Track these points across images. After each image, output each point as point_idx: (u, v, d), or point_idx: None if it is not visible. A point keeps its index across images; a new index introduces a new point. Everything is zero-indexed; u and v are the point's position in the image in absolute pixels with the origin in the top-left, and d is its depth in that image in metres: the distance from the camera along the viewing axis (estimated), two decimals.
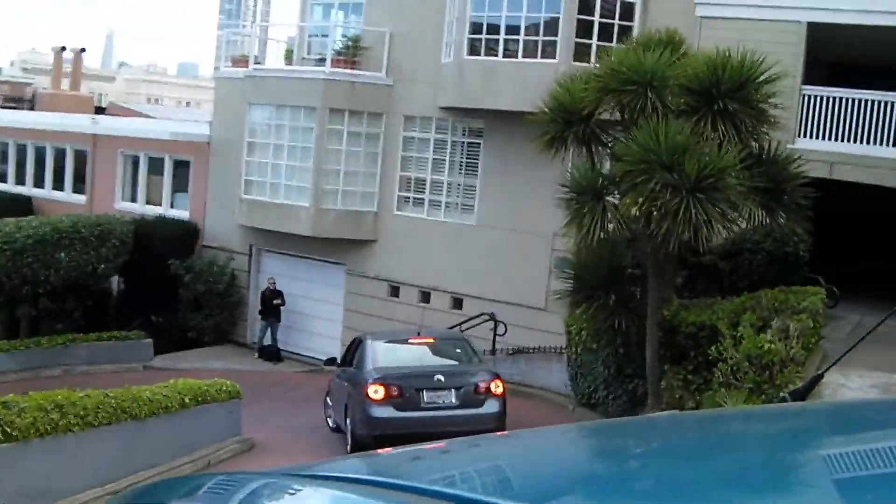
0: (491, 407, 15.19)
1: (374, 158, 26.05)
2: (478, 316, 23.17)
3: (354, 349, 17.03)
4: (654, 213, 14.09)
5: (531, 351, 22.01)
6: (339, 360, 18.65)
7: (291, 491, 1.84)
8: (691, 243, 15.21)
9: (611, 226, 15.08)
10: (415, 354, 16.33)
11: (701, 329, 15.90)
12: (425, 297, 25.50)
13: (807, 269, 18.56)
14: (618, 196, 15.14)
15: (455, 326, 22.90)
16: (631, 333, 16.19)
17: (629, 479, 1.86)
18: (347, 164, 25.94)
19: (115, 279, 28.67)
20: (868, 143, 19.21)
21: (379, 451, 2.42)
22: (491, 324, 23.00)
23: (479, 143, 24.51)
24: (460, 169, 24.93)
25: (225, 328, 28.33)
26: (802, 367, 14.21)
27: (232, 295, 28.27)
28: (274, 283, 27.09)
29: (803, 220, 15.97)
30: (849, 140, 19.36)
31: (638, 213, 14.08)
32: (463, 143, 24.85)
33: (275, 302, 26.95)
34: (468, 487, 1.76)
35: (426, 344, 16.75)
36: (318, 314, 27.39)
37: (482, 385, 15.31)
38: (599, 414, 17.88)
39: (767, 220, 15.61)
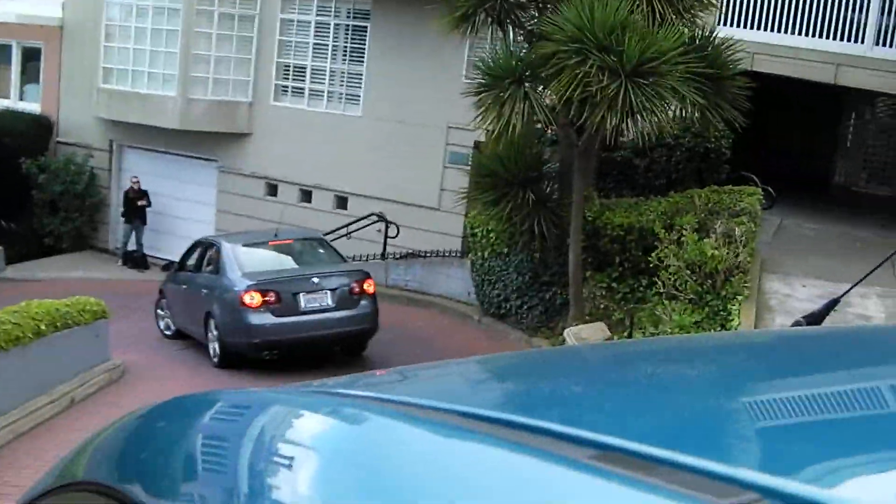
0: (365, 307, 15.14)
1: (248, 43, 23.71)
2: (366, 217, 21.32)
3: (202, 253, 16.55)
4: (588, 99, 12.41)
5: (427, 255, 20.23)
6: (177, 265, 17.82)
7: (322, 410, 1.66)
8: (629, 136, 13.73)
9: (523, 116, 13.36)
10: (279, 257, 15.92)
11: (628, 232, 14.39)
12: (306, 195, 23.53)
13: (727, 167, 17.25)
14: (538, 82, 13.45)
15: (341, 227, 21.21)
16: (552, 236, 14.58)
17: (639, 404, 1.67)
18: (219, 50, 23.58)
19: None
20: (790, 32, 17.77)
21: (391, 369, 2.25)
22: (379, 226, 21.22)
23: (366, 27, 22.39)
24: (345, 55, 22.80)
25: (85, 233, 26.03)
26: (747, 275, 12.87)
27: (92, 196, 25.84)
28: (138, 183, 24.71)
29: (740, 111, 14.43)
30: (770, 29, 17.87)
31: (571, 98, 12.36)
32: (348, 26, 22.70)
33: (139, 203, 24.67)
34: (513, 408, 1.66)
35: (287, 245, 16.32)
36: (188, 216, 25.13)
37: (356, 285, 15.13)
38: (510, 325, 16.31)
39: (703, 113, 14.01)
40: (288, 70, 23.54)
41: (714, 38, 14.40)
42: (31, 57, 27.49)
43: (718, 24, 17.78)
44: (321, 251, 16.33)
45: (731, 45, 14.44)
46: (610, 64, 12.05)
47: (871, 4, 17.33)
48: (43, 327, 11.41)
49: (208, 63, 23.66)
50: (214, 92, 23.78)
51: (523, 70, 13.35)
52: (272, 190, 23.92)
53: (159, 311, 17.69)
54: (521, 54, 13.88)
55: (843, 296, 3.52)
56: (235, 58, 23.75)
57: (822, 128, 24.10)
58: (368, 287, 15.23)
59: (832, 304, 3.30)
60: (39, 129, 26.19)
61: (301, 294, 14.69)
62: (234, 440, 1.65)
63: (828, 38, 17.65)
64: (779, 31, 17.80)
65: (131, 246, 24.95)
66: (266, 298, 14.52)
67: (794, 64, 17.63)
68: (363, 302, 15.10)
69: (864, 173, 25.78)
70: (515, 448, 1.31)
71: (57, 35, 26.44)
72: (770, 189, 16.01)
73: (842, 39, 17.60)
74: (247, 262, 15.24)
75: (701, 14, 14.35)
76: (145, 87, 24.12)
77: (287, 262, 15.80)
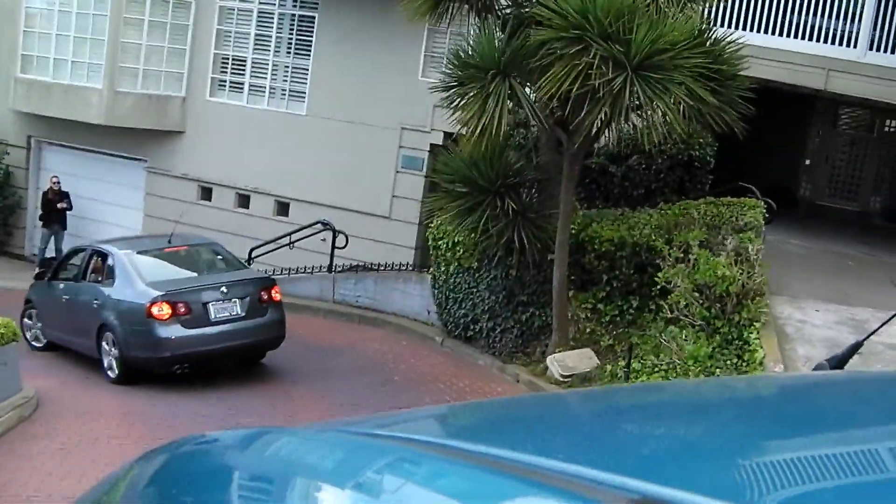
0: (273, 315, 14.73)
1: (182, 32, 22.08)
2: (311, 225, 19.60)
3: (86, 261, 15.58)
4: (586, 95, 10.85)
5: (381, 268, 18.49)
6: (50, 273, 16.60)
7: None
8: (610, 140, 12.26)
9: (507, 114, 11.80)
10: (179, 265, 15.31)
11: (619, 248, 12.82)
12: (244, 200, 21.93)
13: (710, 176, 15.91)
14: (523, 76, 11.90)
15: (283, 236, 19.67)
16: (534, 251, 12.97)
17: (672, 450, 1.68)
18: (150, 38, 21.94)
19: None
20: (780, 34, 16.48)
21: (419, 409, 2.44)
22: (325, 235, 19.50)
23: (314, 18, 20.80)
24: (289, 48, 21.21)
25: None
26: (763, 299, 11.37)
27: (7, 197, 24.22)
28: (58, 183, 23.01)
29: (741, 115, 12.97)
30: (759, 30, 16.54)
31: (567, 94, 10.78)
32: (293, 16, 21.10)
33: (59, 206, 22.98)
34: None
35: (183, 252, 15.73)
36: (112, 220, 23.47)
37: (263, 293, 14.72)
38: (478, 349, 14.62)
39: (705, 115, 12.51)
40: (226, 63, 21.97)
41: (713, 35, 12.93)
42: None
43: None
44: (219, 257, 15.69)
45: (733, 42, 12.97)
46: (615, 54, 10.49)
47: (866, 7, 16.17)
48: None
49: (138, 53, 22.10)
50: (144, 85, 22.24)
51: (508, 62, 11.76)
52: (206, 194, 22.36)
53: (26, 320, 16.54)
54: (504, 44, 12.27)
55: (865, 339, 3.47)
56: (168, 48, 22.21)
57: (788, 138, 23.10)
58: (275, 294, 14.85)
59: (856, 347, 3.28)
60: None
61: (211, 304, 14.17)
62: (277, 483, 1.64)
63: (818, 41, 16.45)
64: (767, 32, 16.54)
65: (50, 252, 23.04)
66: (176, 310, 13.91)
67: (783, 68, 16.42)
68: (271, 309, 14.68)
69: (830, 187, 24.91)
70: (555, 494, 1.33)
71: None
72: (771, 202, 14.60)
73: (833, 43, 16.41)
74: (147, 272, 14.57)
75: (700, 6, 12.87)
76: (68, 78, 22.52)
77: (188, 271, 15.19)
